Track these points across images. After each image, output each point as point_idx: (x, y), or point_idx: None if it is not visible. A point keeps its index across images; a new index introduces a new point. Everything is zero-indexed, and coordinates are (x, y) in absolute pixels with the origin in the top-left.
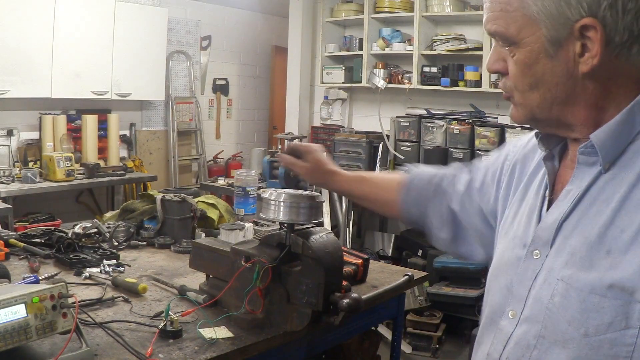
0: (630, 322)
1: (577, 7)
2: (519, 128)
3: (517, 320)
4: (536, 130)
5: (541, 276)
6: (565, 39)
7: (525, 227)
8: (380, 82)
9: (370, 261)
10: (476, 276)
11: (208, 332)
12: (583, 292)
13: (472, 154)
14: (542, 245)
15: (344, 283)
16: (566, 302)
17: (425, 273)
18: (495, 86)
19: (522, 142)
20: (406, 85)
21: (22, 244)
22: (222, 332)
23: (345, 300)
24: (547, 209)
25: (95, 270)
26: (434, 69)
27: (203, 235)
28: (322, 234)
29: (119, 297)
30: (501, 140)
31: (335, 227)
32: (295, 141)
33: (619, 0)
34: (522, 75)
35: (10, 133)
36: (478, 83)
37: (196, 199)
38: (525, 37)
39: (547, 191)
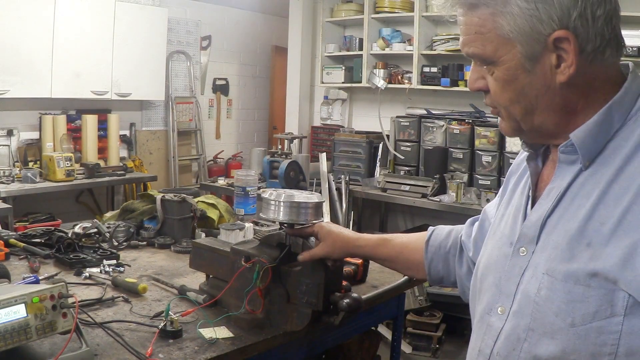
0: (615, 309)
1: (548, 21)
2: None
3: (506, 315)
4: None
5: (528, 272)
6: (541, 53)
7: (511, 226)
8: (380, 82)
9: (370, 261)
10: None
11: (208, 332)
12: (568, 284)
13: (472, 154)
14: (528, 243)
15: (344, 283)
16: (552, 294)
17: None
18: None
19: (517, 158)
20: (406, 85)
21: (22, 244)
22: (222, 332)
23: (345, 300)
24: (532, 207)
25: (95, 270)
26: (434, 69)
27: (203, 235)
28: None
29: (119, 297)
30: (501, 140)
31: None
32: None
33: (587, 9)
34: (502, 91)
35: (10, 133)
36: None
37: (196, 199)
38: (501, 55)
39: (531, 190)
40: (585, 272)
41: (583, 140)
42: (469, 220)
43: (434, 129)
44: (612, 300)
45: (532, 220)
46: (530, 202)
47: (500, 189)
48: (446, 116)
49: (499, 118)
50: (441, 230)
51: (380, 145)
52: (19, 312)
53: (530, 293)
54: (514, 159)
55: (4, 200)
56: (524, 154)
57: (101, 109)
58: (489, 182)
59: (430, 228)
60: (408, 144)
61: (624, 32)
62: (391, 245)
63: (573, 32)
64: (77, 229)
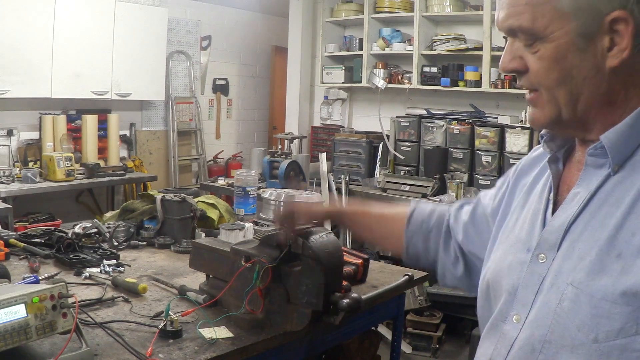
0: None
1: None
2: (519, 128)
3: (521, 324)
4: (541, 133)
5: (548, 280)
6: (596, 32)
7: (528, 230)
8: (380, 82)
9: (370, 261)
10: None
11: (208, 332)
12: (594, 298)
13: (472, 154)
14: (548, 249)
15: (344, 283)
16: (576, 307)
17: (425, 273)
18: (495, 86)
19: (529, 155)
20: (406, 85)
21: (22, 244)
22: (222, 332)
23: (345, 300)
24: (553, 212)
25: (95, 270)
26: (434, 69)
27: (203, 235)
28: (322, 234)
29: (119, 297)
30: (501, 140)
31: (335, 227)
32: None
33: None
34: (549, 70)
35: (10, 133)
36: (478, 83)
37: (196, 199)
38: (553, 31)
39: (552, 194)
40: (614, 287)
41: (614, 143)
42: (458, 203)
43: (434, 129)
44: (638, 318)
45: (555, 225)
46: (551, 206)
47: (500, 182)
48: (446, 116)
49: (530, 108)
50: (424, 207)
51: (380, 145)
52: (19, 312)
53: (551, 303)
54: (514, 158)
55: (4, 200)
56: (535, 153)
57: (101, 109)
58: (489, 182)
59: (413, 202)
60: (408, 144)
61: None
62: (370, 215)
63: (631, 15)
64: (77, 229)
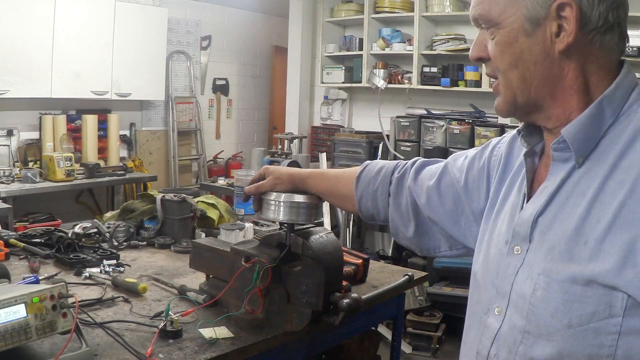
0: (614, 310)
1: None
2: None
3: (502, 316)
4: (519, 127)
5: (522, 272)
6: (543, 18)
7: (508, 224)
8: (380, 82)
9: (370, 261)
10: None
11: (208, 332)
12: (565, 284)
13: None
14: (521, 241)
15: (344, 283)
16: (548, 295)
17: (425, 273)
18: None
19: (507, 139)
20: (406, 85)
21: (22, 244)
22: (222, 332)
23: (345, 300)
24: None
25: (95, 270)
26: (434, 69)
27: (203, 235)
28: (322, 234)
29: (119, 297)
30: None
31: (335, 227)
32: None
33: None
34: (502, 54)
35: (10, 133)
36: (478, 83)
37: (196, 199)
38: (506, 17)
39: (526, 187)
40: (583, 274)
41: (575, 136)
42: (415, 164)
43: (434, 129)
44: (610, 301)
45: (524, 218)
46: (525, 200)
47: (472, 154)
48: (446, 116)
49: (497, 98)
50: (373, 167)
51: (380, 145)
52: (19, 312)
53: (526, 294)
54: None
55: (4, 200)
56: (512, 137)
57: (101, 109)
58: None
59: (365, 162)
60: (408, 144)
61: None
62: (326, 177)
63: (577, 3)
64: (77, 229)
